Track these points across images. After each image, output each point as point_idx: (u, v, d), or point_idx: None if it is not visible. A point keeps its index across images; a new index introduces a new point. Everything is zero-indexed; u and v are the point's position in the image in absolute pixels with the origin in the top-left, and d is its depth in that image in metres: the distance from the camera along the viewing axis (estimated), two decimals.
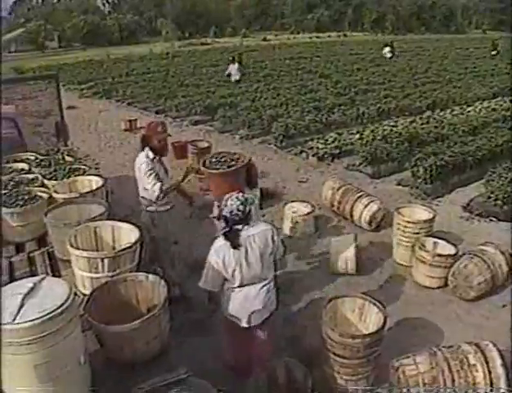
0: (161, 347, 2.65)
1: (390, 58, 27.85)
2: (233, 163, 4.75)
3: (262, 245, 3.75)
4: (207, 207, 6.43)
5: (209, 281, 3.73)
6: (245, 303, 3.81)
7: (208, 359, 4.41)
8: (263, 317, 3.93)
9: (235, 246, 3.64)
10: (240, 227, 3.69)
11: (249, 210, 3.76)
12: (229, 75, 19.28)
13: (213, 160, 4.85)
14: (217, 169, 4.70)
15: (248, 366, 4.05)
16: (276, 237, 3.86)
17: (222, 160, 4.82)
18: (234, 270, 3.67)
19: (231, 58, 20.26)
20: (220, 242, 3.70)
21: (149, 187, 4.73)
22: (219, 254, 3.65)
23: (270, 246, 3.79)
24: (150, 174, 4.71)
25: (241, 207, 3.65)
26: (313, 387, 3.72)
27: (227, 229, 3.70)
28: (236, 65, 19.17)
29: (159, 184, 4.70)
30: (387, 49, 28.63)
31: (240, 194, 3.78)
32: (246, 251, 3.68)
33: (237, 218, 3.66)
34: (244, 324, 3.88)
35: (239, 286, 3.77)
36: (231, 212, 3.64)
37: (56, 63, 32.06)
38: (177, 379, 2.54)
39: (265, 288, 3.86)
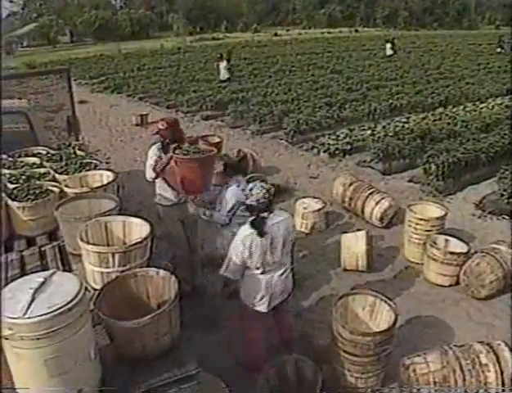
0: (171, 343, 2.64)
1: (391, 55, 26.79)
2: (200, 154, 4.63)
3: (286, 232, 3.88)
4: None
5: (231, 269, 3.84)
6: (267, 289, 3.94)
7: (218, 354, 4.43)
8: (282, 299, 4.10)
9: (262, 233, 3.72)
10: (266, 214, 3.78)
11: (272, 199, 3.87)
12: (218, 74, 18.52)
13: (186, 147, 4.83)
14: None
15: (260, 360, 4.11)
16: (294, 225, 4.12)
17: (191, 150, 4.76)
18: (259, 258, 3.77)
19: (219, 55, 19.65)
20: (246, 231, 3.76)
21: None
22: (245, 242, 3.72)
23: (291, 233, 3.96)
24: (151, 158, 4.92)
25: (267, 195, 3.75)
26: (323, 384, 3.71)
27: (254, 218, 3.78)
28: (225, 62, 18.43)
29: (153, 164, 4.90)
30: (388, 46, 27.66)
31: (263, 182, 3.91)
32: (271, 239, 3.78)
33: (263, 206, 3.75)
34: (264, 309, 4.01)
35: (261, 273, 3.87)
36: (257, 200, 3.73)
37: (67, 58, 32.22)
38: (187, 375, 2.54)
39: (285, 274, 4.02)
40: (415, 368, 3.78)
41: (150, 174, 4.93)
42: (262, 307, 4.00)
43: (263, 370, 3.85)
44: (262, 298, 3.96)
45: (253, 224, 3.74)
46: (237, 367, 4.30)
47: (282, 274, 3.99)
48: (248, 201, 3.77)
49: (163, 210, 5.15)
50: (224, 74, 18.36)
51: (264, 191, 3.73)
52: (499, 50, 27.85)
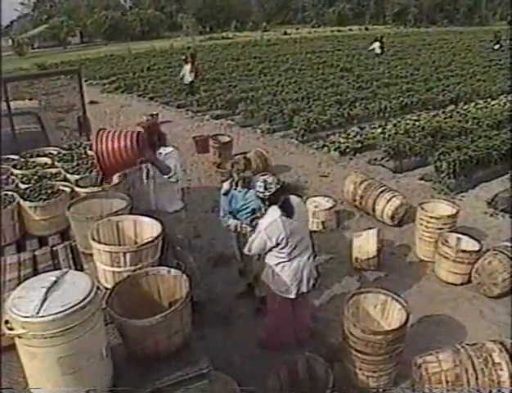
0: (183, 341, 2.65)
1: (380, 54, 25.00)
2: None
3: (304, 213, 4.20)
4: None
5: (253, 248, 4.07)
6: (296, 274, 4.11)
7: (229, 352, 4.43)
8: (310, 285, 4.27)
9: (292, 214, 3.93)
10: (288, 196, 4.02)
11: None
12: (182, 78, 17.74)
13: None
14: None
15: (280, 338, 4.48)
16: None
17: None
18: (288, 240, 3.92)
19: (183, 57, 19.03)
20: (274, 215, 3.92)
21: None
22: (273, 229, 3.89)
23: (307, 213, 4.35)
24: None
25: (278, 179, 4.01)
26: (334, 383, 3.70)
27: (282, 201, 3.95)
28: (189, 65, 17.58)
29: None
30: (376, 44, 25.57)
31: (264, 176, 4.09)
32: (298, 219, 3.98)
33: (283, 189, 3.99)
34: (292, 296, 4.18)
35: (289, 260, 4.04)
36: (277, 184, 3.93)
37: (78, 58, 32.35)
38: (199, 373, 2.54)
39: (311, 258, 4.22)
40: (427, 367, 3.77)
41: None
42: (291, 294, 4.17)
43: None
44: (291, 285, 4.11)
45: (282, 207, 3.91)
46: (249, 365, 4.30)
47: (309, 259, 4.17)
48: (271, 191, 3.91)
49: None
50: (188, 78, 17.54)
51: (274, 177, 4.02)
52: (496, 47, 27.15)
